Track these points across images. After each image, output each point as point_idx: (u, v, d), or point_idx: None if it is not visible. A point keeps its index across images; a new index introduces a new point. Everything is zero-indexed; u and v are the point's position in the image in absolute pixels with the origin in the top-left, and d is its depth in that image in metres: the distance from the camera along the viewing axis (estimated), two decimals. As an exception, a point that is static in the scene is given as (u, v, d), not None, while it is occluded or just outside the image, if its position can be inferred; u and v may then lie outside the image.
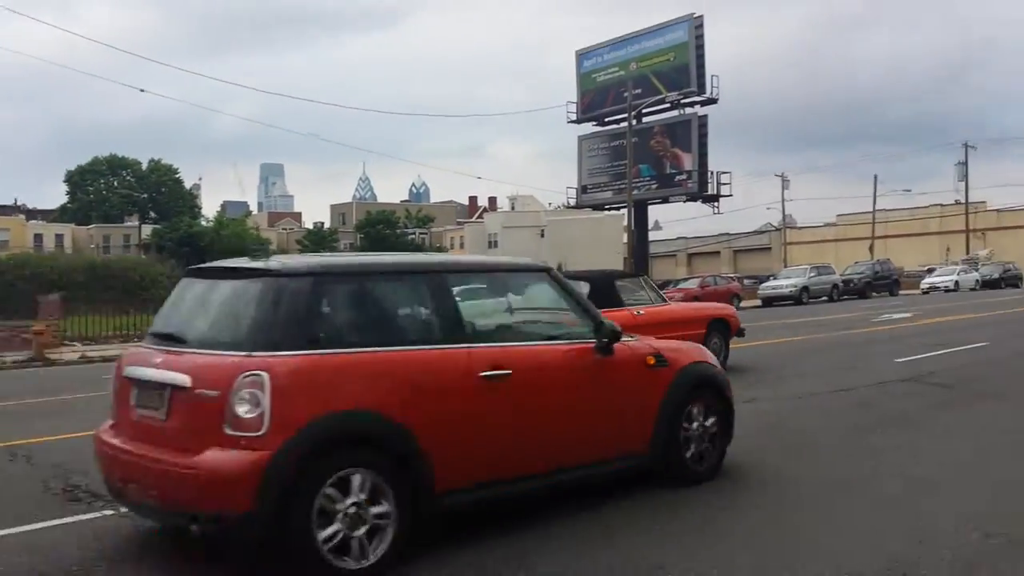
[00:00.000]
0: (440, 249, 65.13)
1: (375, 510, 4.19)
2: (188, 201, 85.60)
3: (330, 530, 4.04)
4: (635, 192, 44.96)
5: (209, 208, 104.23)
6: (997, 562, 4.23)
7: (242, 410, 3.99)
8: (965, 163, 61.77)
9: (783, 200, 73.01)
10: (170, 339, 4.69)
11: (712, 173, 47.95)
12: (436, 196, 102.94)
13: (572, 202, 54.75)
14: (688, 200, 49.49)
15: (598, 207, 55.92)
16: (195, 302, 4.89)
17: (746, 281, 54.58)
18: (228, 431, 4.00)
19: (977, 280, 47.62)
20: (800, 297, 38.59)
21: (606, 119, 51.67)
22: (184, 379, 4.20)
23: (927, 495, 5.45)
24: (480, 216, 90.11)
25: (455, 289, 5.06)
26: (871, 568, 4.19)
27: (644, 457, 5.53)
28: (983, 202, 73.36)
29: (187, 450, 4.07)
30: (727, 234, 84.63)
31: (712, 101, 47.65)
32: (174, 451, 4.16)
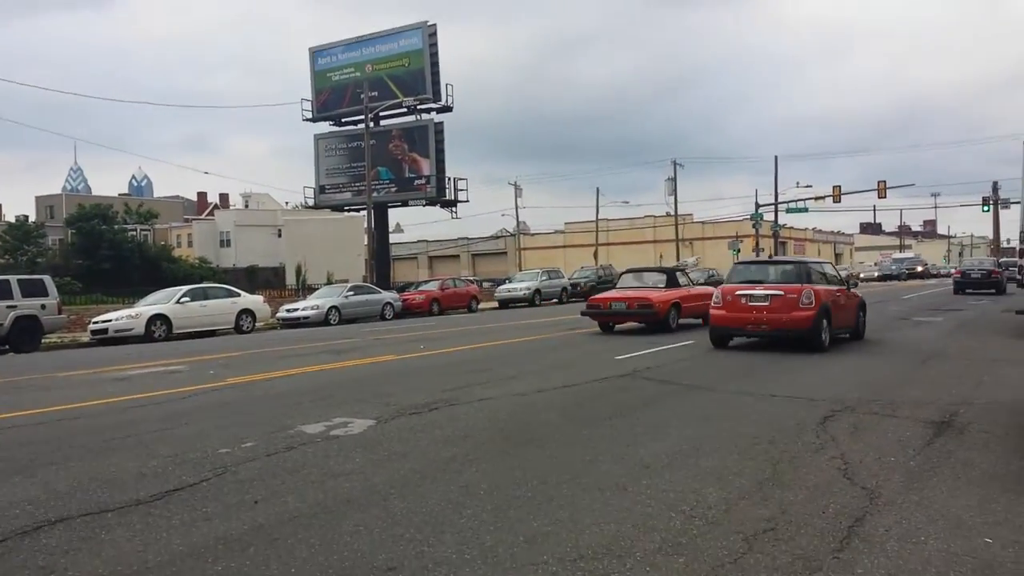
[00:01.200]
0: (165, 247, 60.76)
1: None
2: None
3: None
4: (375, 194, 44.79)
5: None
6: (697, 539, 4.62)
7: (804, 300, 14.43)
8: (674, 179, 67.71)
9: (516, 207, 76.24)
10: (757, 282, 15.40)
11: (449, 179, 48.88)
12: (160, 191, 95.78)
13: (310, 202, 53.39)
14: (427, 204, 50.03)
15: (337, 208, 54.99)
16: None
17: (484, 284, 56.44)
18: (800, 306, 14.41)
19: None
20: (533, 299, 40.59)
21: (343, 119, 50.92)
22: (780, 291, 14.78)
23: (642, 480, 5.84)
24: (211, 213, 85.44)
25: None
26: (591, 549, 4.43)
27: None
28: (690, 214, 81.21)
29: (785, 313, 14.60)
30: (466, 238, 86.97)
31: (447, 109, 48.52)
32: (777, 314, 14.72)
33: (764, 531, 4.74)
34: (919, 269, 76.98)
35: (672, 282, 20.54)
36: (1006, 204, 67.19)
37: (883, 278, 72.93)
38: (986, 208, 68.92)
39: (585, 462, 6.45)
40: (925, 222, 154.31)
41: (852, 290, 17.12)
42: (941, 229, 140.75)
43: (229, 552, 4.57)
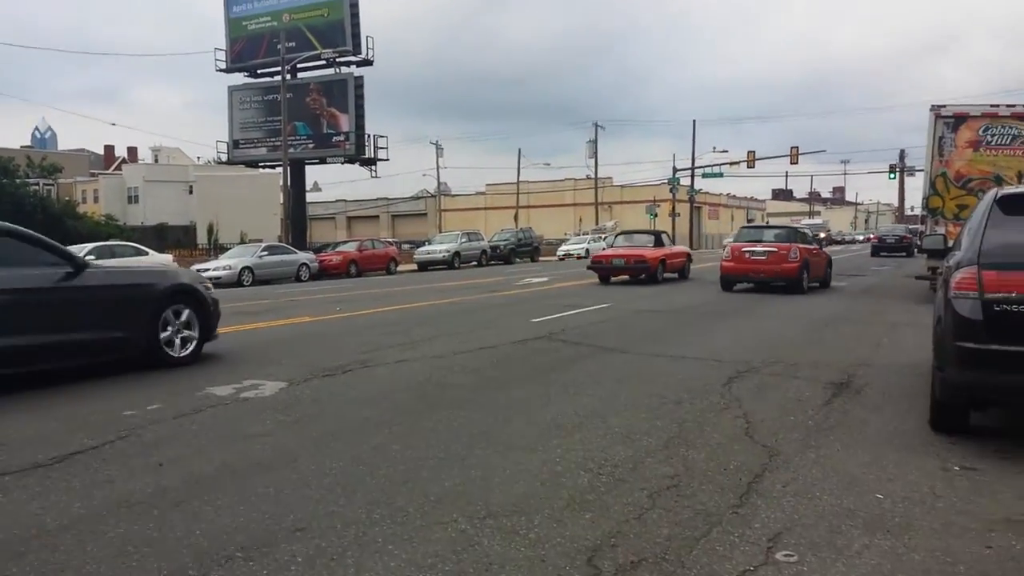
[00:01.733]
0: (70, 203, 58.28)
1: None
2: None
3: None
4: (291, 150, 43.79)
5: None
6: (604, 496, 4.73)
7: (792, 256, 19.16)
8: (595, 141, 68.18)
9: (438, 167, 75.59)
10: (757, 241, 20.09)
11: (369, 136, 48.05)
12: (65, 143, 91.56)
13: (223, 157, 51.79)
14: (346, 162, 49.11)
15: (252, 164, 53.49)
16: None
17: (404, 246, 55.94)
18: (789, 259, 19.23)
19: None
20: (452, 262, 40.50)
21: (259, 71, 49.40)
22: (774, 248, 19.40)
23: (553, 440, 5.94)
24: (118, 168, 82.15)
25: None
26: (501, 507, 4.49)
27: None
28: (610, 178, 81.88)
29: (777, 265, 19.24)
30: (385, 199, 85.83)
31: (368, 63, 47.51)
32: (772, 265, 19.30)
33: (668, 487, 4.88)
34: (821, 235, 78.80)
35: (658, 242, 25.01)
36: (912, 172, 69.87)
37: None
38: (892, 176, 71.55)
39: (499, 423, 6.51)
40: (835, 189, 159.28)
41: (823, 250, 22.54)
42: (849, 196, 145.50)
43: (132, 515, 4.47)
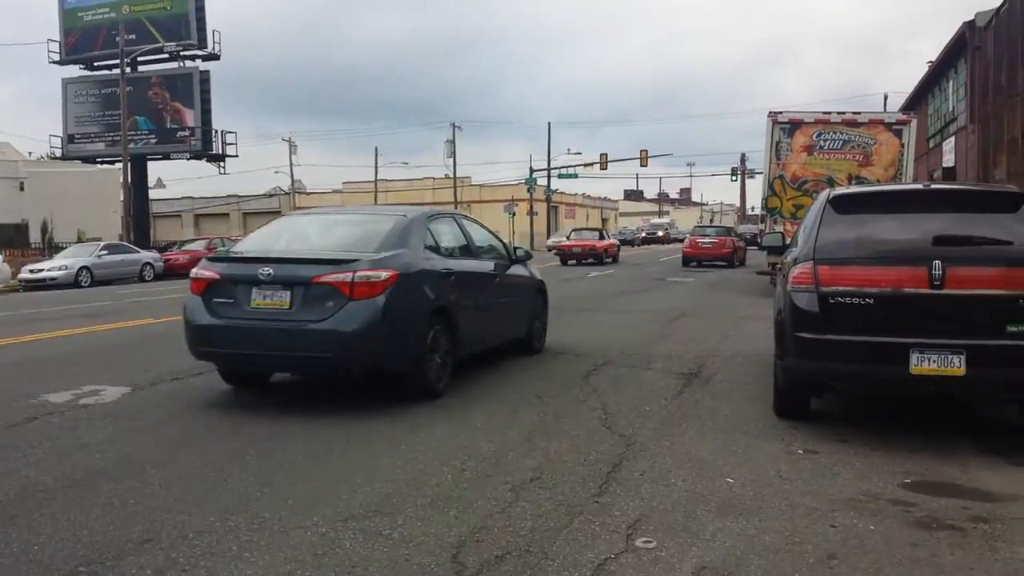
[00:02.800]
0: None
1: None
2: None
3: None
4: (132, 146, 41.59)
5: None
6: (468, 491, 4.72)
7: (727, 245, 31.96)
8: (453, 141, 68.27)
9: (291, 164, 73.67)
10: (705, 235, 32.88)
11: (217, 131, 46.15)
12: None
13: (57, 153, 48.55)
14: (192, 158, 47.02)
15: (89, 159, 50.32)
16: None
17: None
18: (725, 247, 32.17)
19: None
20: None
21: (95, 63, 46.53)
22: (716, 240, 32.51)
23: (415, 438, 5.87)
24: (-63, 162, 75.47)
25: None
26: (363, 508, 4.40)
27: None
28: (468, 177, 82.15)
29: (718, 250, 31.54)
30: (236, 196, 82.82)
31: (214, 57, 45.60)
32: (715, 250, 31.61)
33: (531, 480, 4.93)
34: (660, 234, 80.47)
35: (602, 236, 37.79)
36: (752, 174, 73.80)
37: (623, 243, 76.26)
38: (734, 178, 75.40)
39: (359, 423, 6.39)
40: (682, 190, 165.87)
41: (741, 242, 33.62)
42: (696, 197, 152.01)
43: (-45, 535, 4.10)
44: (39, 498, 4.64)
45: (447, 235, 8.30)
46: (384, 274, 6.62)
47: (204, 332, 6.95)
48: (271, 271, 6.70)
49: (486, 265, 8.84)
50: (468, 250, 8.57)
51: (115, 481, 4.94)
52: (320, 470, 5.16)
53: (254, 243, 8.12)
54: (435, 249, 7.71)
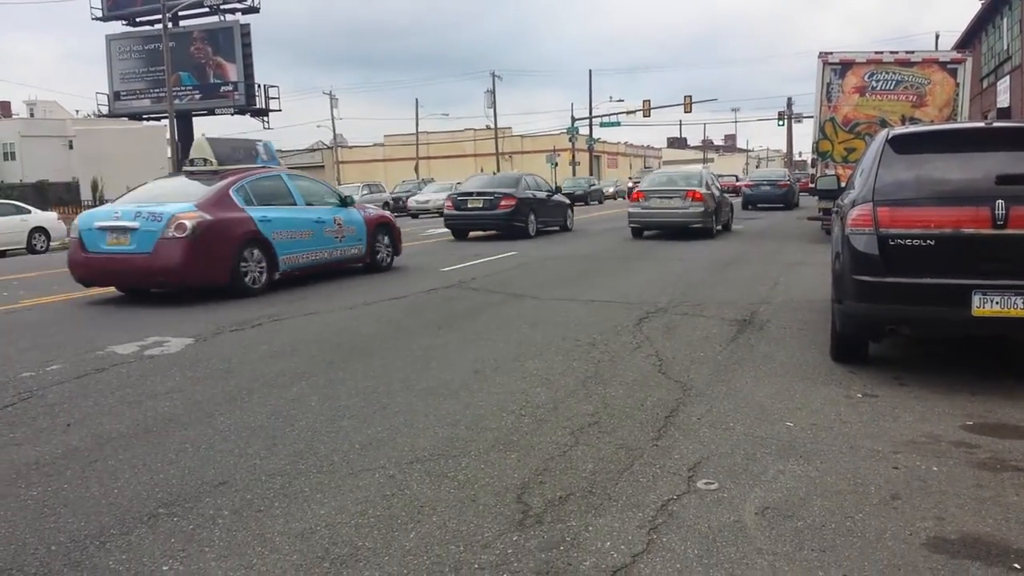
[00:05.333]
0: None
1: None
2: None
3: None
4: (177, 102, 41.91)
5: None
6: (527, 436, 4.80)
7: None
8: (493, 91, 67.69)
9: (333, 118, 73.88)
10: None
11: (260, 86, 46.42)
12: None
13: (104, 110, 49.23)
14: (236, 113, 47.43)
15: (135, 116, 51.00)
16: None
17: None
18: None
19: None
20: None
21: (138, 19, 46.91)
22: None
23: (472, 385, 5.97)
24: (-11, 123, 76.99)
25: None
26: (427, 451, 4.51)
27: None
28: (509, 128, 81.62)
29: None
30: (279, 151, 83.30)
31: (254, 10, 45.70)
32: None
33: (589, 425, 4.99)
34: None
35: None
36: (799, 119, 72.11)
37: None
38: (781, 123, 73.72)
39: (416, 370, 6.50)
40: (726, 136, 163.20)
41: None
42: (740, 143, 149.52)
43: (44, 477, 4.29)
44: (114, 444, 4.82)
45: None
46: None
47: None
48: None
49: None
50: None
51: (186, 428, 5.11)
52: (382, 416, 5.28)
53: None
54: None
